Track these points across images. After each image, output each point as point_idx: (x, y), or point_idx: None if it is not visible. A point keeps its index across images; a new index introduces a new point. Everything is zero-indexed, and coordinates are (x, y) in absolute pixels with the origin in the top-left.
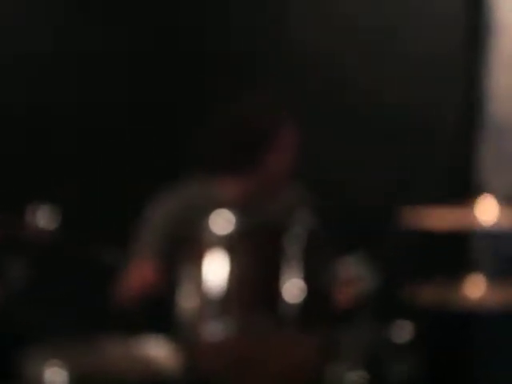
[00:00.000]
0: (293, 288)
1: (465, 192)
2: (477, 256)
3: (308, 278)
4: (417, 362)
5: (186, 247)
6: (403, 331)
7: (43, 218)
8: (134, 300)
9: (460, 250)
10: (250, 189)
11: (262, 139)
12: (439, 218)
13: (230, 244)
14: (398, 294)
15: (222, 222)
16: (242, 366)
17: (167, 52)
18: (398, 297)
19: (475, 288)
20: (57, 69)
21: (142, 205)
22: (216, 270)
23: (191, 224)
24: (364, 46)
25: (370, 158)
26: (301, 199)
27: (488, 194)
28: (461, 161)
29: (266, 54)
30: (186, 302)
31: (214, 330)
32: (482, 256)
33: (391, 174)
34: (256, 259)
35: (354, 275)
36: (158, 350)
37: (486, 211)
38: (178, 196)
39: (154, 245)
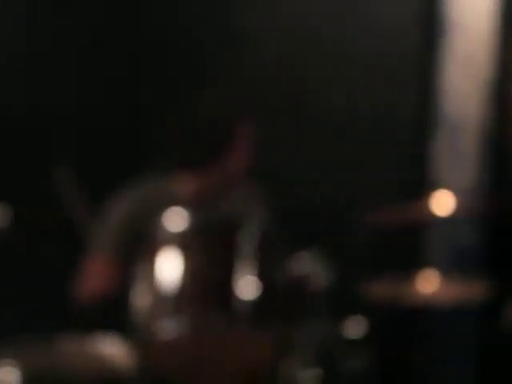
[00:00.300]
0: (247, 285)
1: (419, 188)
2: (430, 252)
3: (262, 275)
4: (370, 357)
5: (141, 245)
6: (357, 327)
7: None
8: (90, 298)
9: (413, 246)
10: (207, 187)
11: (220, 139)
12: (394, 214)
13: (184, 242)
14: (352, 289)
15: (177, 219)
16: (196, 364)
17: (128, 52)
18: (352, 293)
19: (428, 284)
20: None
21: (99, 201)
22: (170, 267)
23: (147, 221)
24: (319, 46)
25: (326, 157)
26: (256, 197)
27: (442, 191)
28: (416, 158)
29: (225, 55)
30: (140, 300)
31: (168, 329)
32: (435, 252)
33: (346, 172)
34: (210, 257)
35: (308, 272)
36: (112, 349)
37: (440, 207)
38: (135, 193)
39: (110, 242)
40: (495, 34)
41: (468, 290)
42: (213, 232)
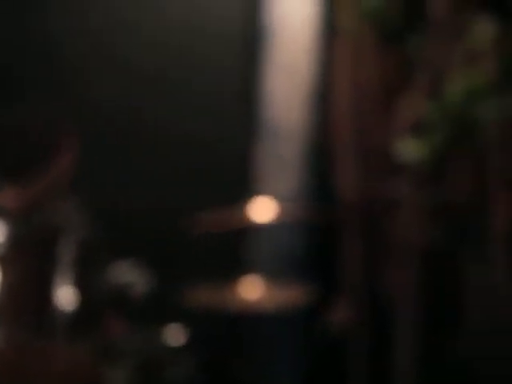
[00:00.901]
0: (66, 296)
1: (242, 195)
2: (253, 257)
3: (82, 285)
4: (193, 365)
5: None
6: (179, 334)
7: None
8: None
9: (236, 252)
10: (29, 197)
11: (42, 150)
12: (216, 220)
13: (2, 254)
14: (174, 296)
15: None
16: (13, 378)
17: None
18: (173, 300)
19: (252, 289)
20: None
21: None
22: None
23: None
24: (137, 57)
25: (148, 163)
26: (76, 206)
27: (265, 196)
28: (239, 164)
29: (46, 68)
30: None
31: None
32: (258, 257)
33: (169, 179)
34: (28, 268)
35: (128, 280)
36: None
37: (263, 213)
38: None
39: None
40: (317, 42)
41: (292, 296)
42: (30, 242)
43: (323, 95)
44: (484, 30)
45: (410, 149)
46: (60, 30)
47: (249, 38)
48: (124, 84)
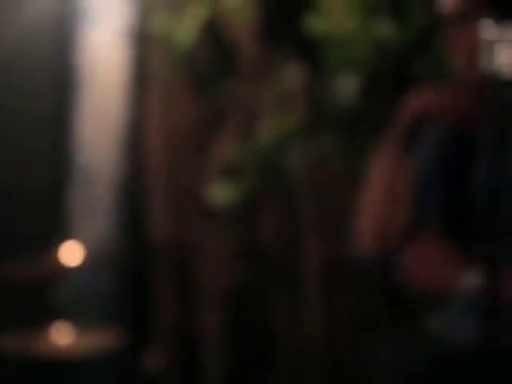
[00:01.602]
0: None
1: (53, 239)
2: (63, 302)
3: None
4: None
5: None
6: None
7: None
8: None
9: (45, 298)
10: None
11: None
12: (24, 266)
13: None
14: None
15: None
16: None
17: None
18: None
19: (61, 336)
20: None
21: None
22: None
23: None
24: None
25: None
26: None
27: (76, 241)
28: (51, 209)
29: None
30: None
31: None
32: (68, 302)
33: None
34: None
35: None
36: None
37: (73, 259)
38: None
39: None
40: (129, 86)
41: (102, 341)
42: None
43: (136, 139)
44: (293, 74)
45: (220, 192)
46: None
47: (60, 82)
48: None
